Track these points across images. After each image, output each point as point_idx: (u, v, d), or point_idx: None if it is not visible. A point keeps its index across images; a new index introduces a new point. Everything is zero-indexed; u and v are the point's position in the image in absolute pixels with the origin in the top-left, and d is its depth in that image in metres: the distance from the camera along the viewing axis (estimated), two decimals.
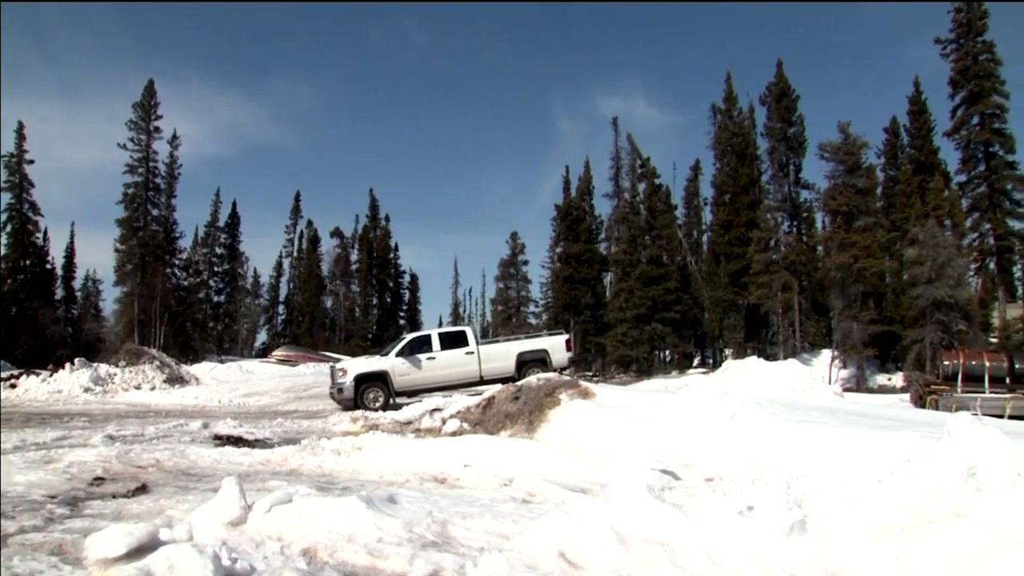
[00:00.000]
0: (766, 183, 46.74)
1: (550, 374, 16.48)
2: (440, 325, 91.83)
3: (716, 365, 43.18)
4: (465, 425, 13.45)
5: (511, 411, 13.42)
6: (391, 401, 18.26)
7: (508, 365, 19.21)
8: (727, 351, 45.82)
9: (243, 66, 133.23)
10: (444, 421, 13.90)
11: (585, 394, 13.72)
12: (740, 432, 11.00)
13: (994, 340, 37.62)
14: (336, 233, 70.90)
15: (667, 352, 49.15)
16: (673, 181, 60.38)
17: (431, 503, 6.44)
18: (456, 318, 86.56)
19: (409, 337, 19.99)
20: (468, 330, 20.21)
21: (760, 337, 43.57)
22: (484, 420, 13.63)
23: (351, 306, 70.32)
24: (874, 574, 5.14)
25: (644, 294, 44.29)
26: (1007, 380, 23.34)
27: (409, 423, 14.41)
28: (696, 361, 50.54)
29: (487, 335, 75.83)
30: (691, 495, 6.60)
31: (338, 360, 29.31)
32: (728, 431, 11.11)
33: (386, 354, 19.55)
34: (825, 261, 39.81)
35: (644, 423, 11.73)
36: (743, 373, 34.71)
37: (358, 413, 16.20)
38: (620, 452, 10.25)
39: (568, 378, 16.47)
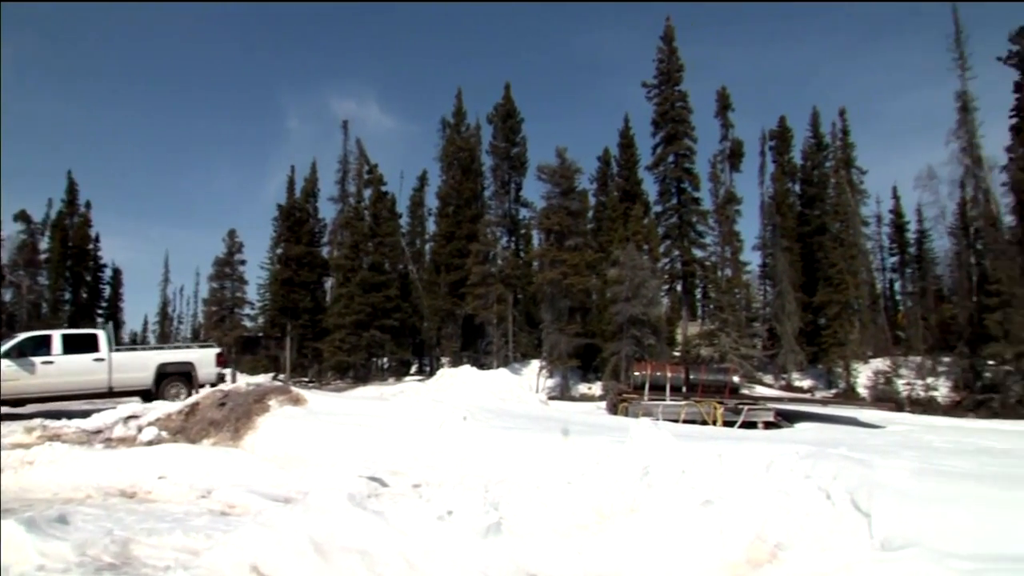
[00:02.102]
0: (488, 198, 48.74)
1: (261, 379, 15.73)
2: (146, 325, 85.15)
3: (433, 373, 43.92)
4: (164, 433, 12.38)
5: (216, 418, 12.61)
6: None
7: (145, 376, 17.28)
8: (444, 359, 46.74)
9: None
10: (140, 429, 12.65)
11: (296, 400, 13.29)
12: (449, 438, 11.23)
13: (677, 354, 42.08)
14: (21, 217, 62.59)
15: (385, 359, 49.19)
16: (400, 189, 60.92)
17: (114, 521, 5.87)
18: (164, 317, 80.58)
19: (22, 336, 16.96)
20: (101, 333, 17.42)
21: (476, 346, 45.01)
22: (186, 428, 12.64)
23: (37, 300, 62.45)
24: (560, 569, 5.43)
25: (364, 300, 43.98)
26: (683, 389, 26.08)
27: (99, 432, 12.91)
28: (414, 368, 51.01)
29: (197, 336, 71.22)
30: (396, 502, 6.60)
31: None
32: (438, 437, 11.29)
33: None
34: (538, 276, 42.01)
35: (356, 430, 11.59)
36: (456, 381, 35.57)
37: (35, 422, 14.05)
38: (330, 460, 10.04)
39: (280, 384, 15.87)
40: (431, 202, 54.49)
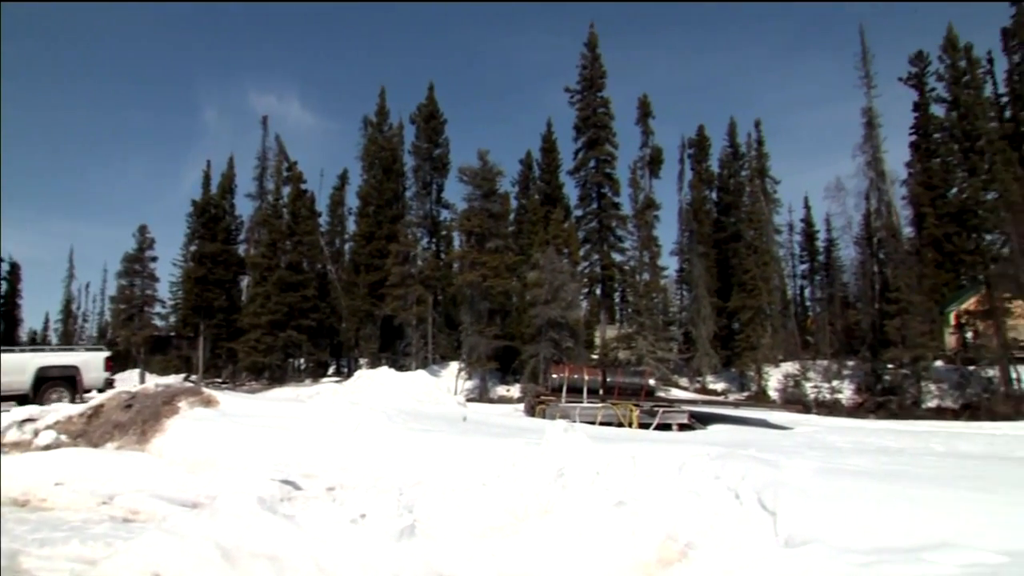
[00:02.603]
0: (410, 199, 48.44)
1: (171, 379, 15.17)
2: (47, 323, 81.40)
3: (351, 374, 43.32)
4: (64, 437, 11.82)
5: (122, 421, 12.13)
6: None
7: (21, 381, 16.23)
8: (362, 361, 46.18)
9: None
10: (37, 433, 12.07)
11: (208, 402, 12.93)
12: (365, 441, 11.11)
13: (595, 356, 42.62)
14: None
15: (302, 360, 48.34)
16: (320, 188, 59.98)
17: (2, 531, 5.59)
18: (68, 316, 77.23)
19: None
20: None
21: (395, 348, 44.61)
22: (89, 431, 12.12)
23: None
24: (473, 571, 5.42)
25: (281, 300, 43.12)
26: (600, 391, 26.42)
27: None
28: (331, 370, 50.27)
29: (104, 336, 68.60)
30: (308, 505, 6.50)
31: None
32: (354, 440, 11.17)
33: None
34: (458, 278, 41.96)
35: (270, 432, 11.36)
36: (374, 383, 35.20)
37: None
38: (242, 463, 9.82)
39: (191, 385, 15.39)
40: (351, 201, 53.84)
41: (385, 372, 37.96)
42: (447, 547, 5.67)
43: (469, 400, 34.58)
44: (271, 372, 43.96)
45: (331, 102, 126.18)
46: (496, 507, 6.69)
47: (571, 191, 49.66)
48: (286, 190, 49.92)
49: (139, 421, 11.89)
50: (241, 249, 53.41)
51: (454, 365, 40.03)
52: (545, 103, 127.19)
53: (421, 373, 38.48)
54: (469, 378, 38.63)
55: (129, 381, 28.36)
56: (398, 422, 12.38)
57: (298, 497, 7.67)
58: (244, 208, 56.48)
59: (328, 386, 38.51)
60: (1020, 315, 35.77)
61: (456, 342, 42.57)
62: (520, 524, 6.34)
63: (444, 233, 50.25)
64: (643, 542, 5.83)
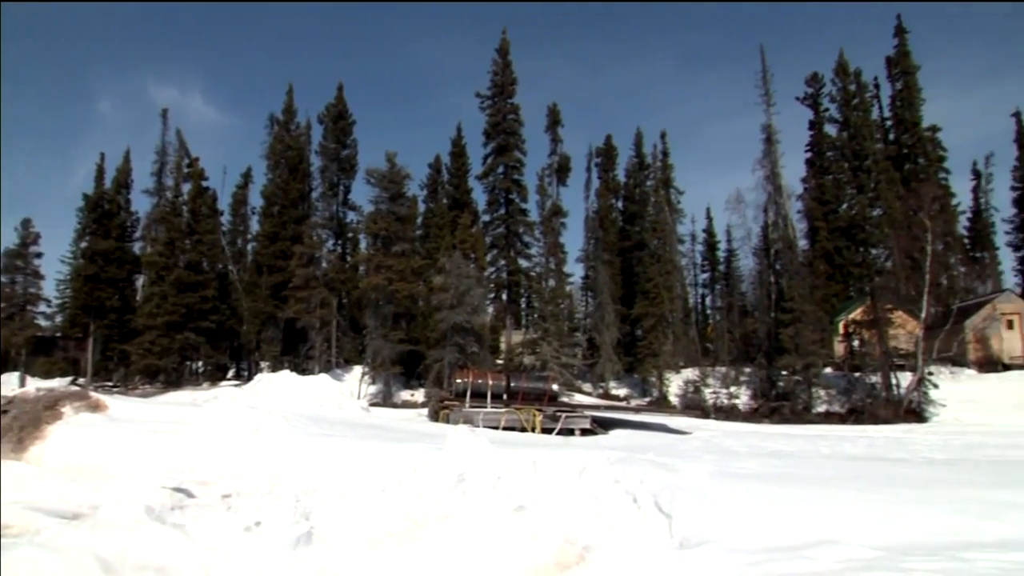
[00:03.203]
0: (316, 200, 47.59)
1: (55, 383, 14.44)
2: None
3: (251, 378, 42.19)
4: None
5: None
6: None
7: None
8: (264, 364, 45.06)
9: None
10: None
11: (95, 407, 12.37)
12: (264, 446, 10.86)
13: (500, 361, 42.80)
14: None
15: (200, 363, 46.79)
16: (222, 186, 58.15)
17: None
18: None
19: None
20: None
21: (297, 351, 43.68)
22: None
23: None
24: None
25: (179, 300, 41.61)
26: (504, 396, 26.55)
27: None
28: (231, 373, 48.88)
29: None
30: (201, 513, 6.28)
31: None
32: (252, 445, 10.90)
33: None
34: (363, 281, 41.47)
35: (163, 438, 10.94)
36: (275, 387, 34.46)
37: None
38: (131, 470, 9.43)
39: (77, 389, 14.69)
40: (255, 201, 52.40)
41: (287, 376, 37.22)
42: (344, 554, 5.59)
43: (373, 405, 34.25)
44: (166, 375, 42.31)
45: (236, 97, 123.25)
46: (395, 513, 6.64)
47: (479, 196, 49.96)
48: (186, 187, 48.18)
49: (16, 428, 11.23)
50: (137, 247, 51.26)
51: (358, 369, 39.53)
52: (456, 108, 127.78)
53: (324, 377, 37.88)
54: (373, 382, 38.24)
55: (8, 384, 26.87)
56: (298, 427, 12.14)
57: (190, 505, 7.38)
58: (141, 204, 54.19)
59: (227, 390, 37.41)
60: (900, 325, 37.85)
61: (360, 346, 42.10)
62: (419, 530, 6.31)
63: (350, 235, 49.65)
64: (542, 546, 5.88)
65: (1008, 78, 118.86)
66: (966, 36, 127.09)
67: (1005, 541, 6.21)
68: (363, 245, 48.28)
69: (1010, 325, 40.79)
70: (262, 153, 50.97)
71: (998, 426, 30.16)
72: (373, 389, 37.98)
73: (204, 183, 47.59)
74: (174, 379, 42.17)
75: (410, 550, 5.77)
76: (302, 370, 40.00)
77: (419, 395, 37.77)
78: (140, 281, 50.50)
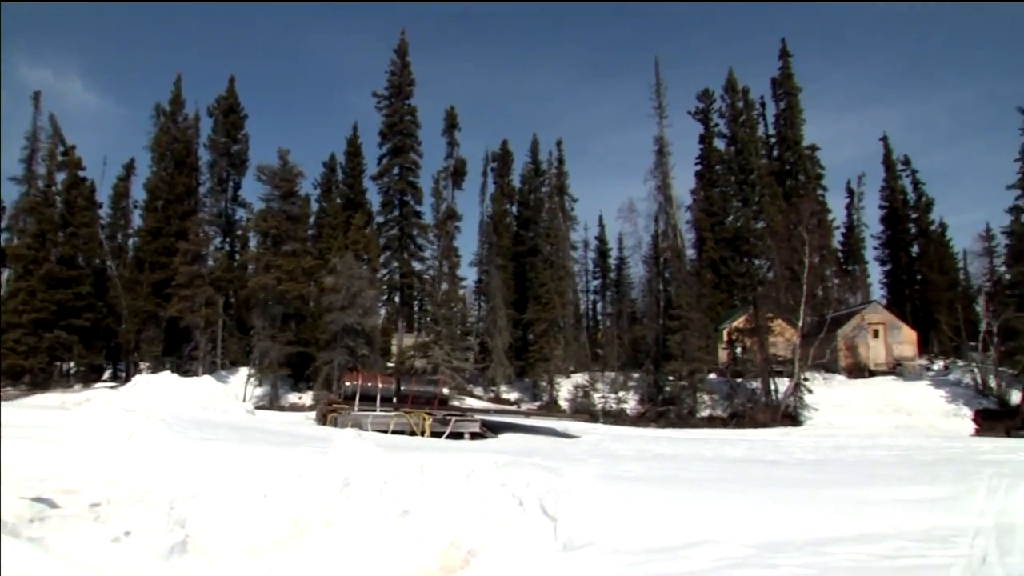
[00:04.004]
0: (204, 195, 45.97)
1: None
2: None
3: (129, 379, 40.26)
4: None
5: None
6: None
7: None
8: (143, 365, 43.08)
9: None
10: None
11: None
12: (140, 452, 10.46)
13: (391, 364, 42.45)
14: None
15: (72, 363, 44.31)
16: (102, 177, 55.26)
17: None
18: None
19: None
20: None
21: (180, 352, 42.06)
22: None
23: None
24: None
25: (49, 297, 39.20)
26: (394, 400, 26.36)
27: None
28: (107, 375, 46.51)
29: None
30: (64, 525, 5.95)
31: None
32: (127, 451, 10.47)
33: None
34: (252, 280, 40.38)
35: (24, 444, 10.29)
36: (154, 389, 32.94)
37: None
38: None
39: None
40: (138, 194, 50.07)
41: (167, 377, 35.65)
42: (221, 563, 5.45)
43: (259, 408, 33.42)
44: (33, 376, 39.83)
45: (120, 84, 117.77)
46: (278, 519, 6.51)
47: (374, 197, 49.48)
48: (60, 176, 45.51)
49: None
50: (3, 238, 48.15)
51: (244, 371, 38.52)
52: (352, 106, 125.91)
53: (208, 379, 36.53)
54: (260, 385, 37.38)
55: None
56: (178, 431, 11.73)
57: (53, 517, 6.95)
58: (7, 193, 50.87)
59: (101, 392, 35.56)
60: (779, 332, 39.73)
61: (247, 347, 40.97)
62: (302, 536, 6.21)
63: (239, 233, 48.27)
64: (426, 551, 5.89)
65: (878, 105, 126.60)
66: (844, 63, 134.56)
67: (863, 535, 6.71)
68: (253, 243, 47.06)
69: (876, 334, 43.41)
70: (146, 144, 48.70)
71: (863, 428, 32.27)
72: (260, 392, 37.13)
73: (81, 173, 45.02)
74: (41, 381, 39.68)
75: (291, 557, 5.67)
76: (185, 371, 38.45)
77: (307, 398, 37.13)
78: (5, 275, 47.37)
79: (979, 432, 32.64)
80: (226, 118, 45.77)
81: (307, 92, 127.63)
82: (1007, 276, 38.65)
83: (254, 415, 29.27)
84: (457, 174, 48.13)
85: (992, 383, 36.55)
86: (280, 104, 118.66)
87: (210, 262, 41.59)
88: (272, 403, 35.77)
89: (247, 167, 46.51)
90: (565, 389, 42.77)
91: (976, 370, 37.75)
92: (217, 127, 45.94)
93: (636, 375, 42.81)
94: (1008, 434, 31.11)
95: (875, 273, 57.08)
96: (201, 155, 46.87)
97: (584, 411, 37.67)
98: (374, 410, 24.99)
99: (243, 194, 47.70)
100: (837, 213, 56.92)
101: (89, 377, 43.37)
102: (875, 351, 43.18)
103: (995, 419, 33.98)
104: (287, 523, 6.50)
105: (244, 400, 34.83)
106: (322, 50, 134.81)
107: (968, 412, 34.95)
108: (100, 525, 5.37)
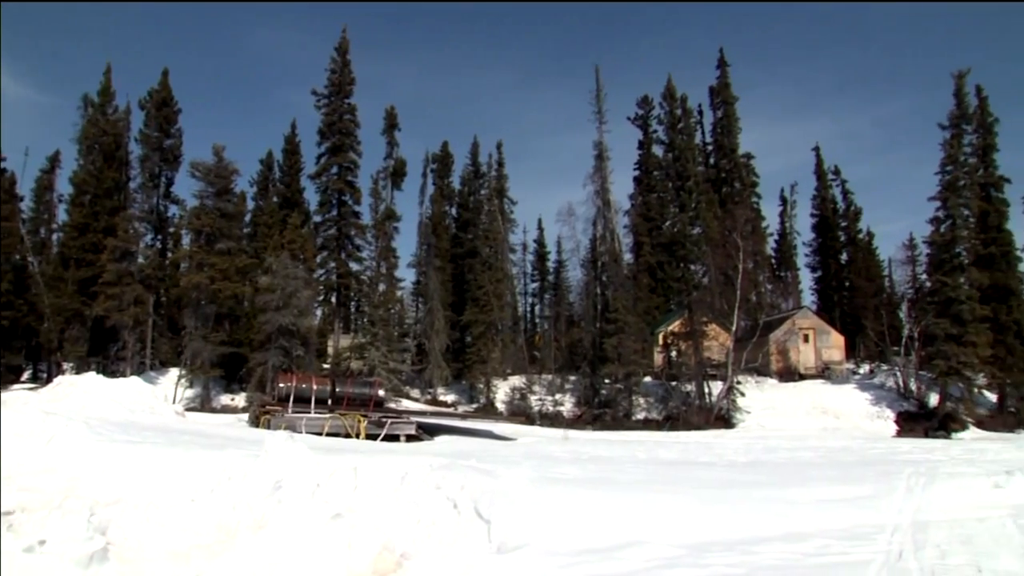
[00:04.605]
0: (134, 191, 44.57)
1: None
2: None
3: (51, 380, 38.80)
4: None
5: None
6: None
7: None
8: (67, 365, 41.60)
9: None
10: None
11: None
12: (60, 456, 10.06)
13: (327, 366, 41.93)
14: None
15: None
16: (23, 168, 53.56)
17: None
18: None
19: None
20: None
21: (107, 352, 40.78)
22: None
23: None
24: None
25: None
26: (329, 402, 26.03)
27: None
28: (27, 375, 44.78)
29: None
30: None
31: None
32: (45, 455, 10.05)
33: None
34: (184, 279, 39.41)
35: None
36: (79, 390, 31.76)
37: None
38: None
39: None
40: (64, 187, 48.32)
41: (92, 378, 34.43)
42: (145, 571, 5.27)
43: (190, 410, 32.67)
44: None
45: (44, 71, 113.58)
46: (205, 524, 6.34)
47: (311, 196, 48.83)
48: None
49: None
50: None
51: (175, 372, 37.61)
52: (291, 104, 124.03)
53: (136, 380, 35.41)
54: (191, 386, 36.59)
55: None
56: (103, 434, 11.34)
57: None
58: None
59: (19, 394, 33.94)
60: (713, 336, 40.49)
61: (178, 347, 39.97)
62: (231, 541, 6.05)
63: (171, 230, 47.03)
64: (359, 554, 5.81)
65: (811, 116, 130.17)
66: (779, 75, 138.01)
67: (790, 534, 6.88)
68: (185, 241, 45.87)
69: (806, 339, 44.62)
70: (73, 136, 47.15)
71: (792, 430, 33.14)
72: (191, 393, 36.36)
73: (0, 164, 43.34)
74: None
75: (220, 562, 5.51)
76: (111, 372, 37.28)
77: (240, 400, 36.46)
78: None
79: (900, 433, 33.97)
80: (159, 111, 44.47)
81: (245, 88, 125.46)
82: (928, 284, 40.00)
83: (184, 417, 28.58)
84: (396, 175, 47.81)
85: (913, 386, 37.93)
86: (216, 99, 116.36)
87: (140, 260, 40.41)
88: (204, 405, 35.02)
89: (181, 163, 45.26)
90: (502, 391, 42.80)
91: (899, 374, 39.08)
92: (149, 121, 44.56)
93: (573, 378, 43.10)
94: (926, 435, 32.55)
95: (806, 279, 59.04)
96: (132, 149, 45.65)
97: (521, 414, 37.78)
98: (309, 412, 24.69)
99: (176, 190, 46.51)
100: (771, 220, 58.50)
101: (6, 378, 41.51)
102: (805, 355, 44.36)
103: (915, 421, 35.42)
104: (216, 528, 6.33)
105: (174, 402, 33.99)
106: (261, 46, 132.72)
107: (891, 414, 36.31)
108: (11, 535, 5.11)
